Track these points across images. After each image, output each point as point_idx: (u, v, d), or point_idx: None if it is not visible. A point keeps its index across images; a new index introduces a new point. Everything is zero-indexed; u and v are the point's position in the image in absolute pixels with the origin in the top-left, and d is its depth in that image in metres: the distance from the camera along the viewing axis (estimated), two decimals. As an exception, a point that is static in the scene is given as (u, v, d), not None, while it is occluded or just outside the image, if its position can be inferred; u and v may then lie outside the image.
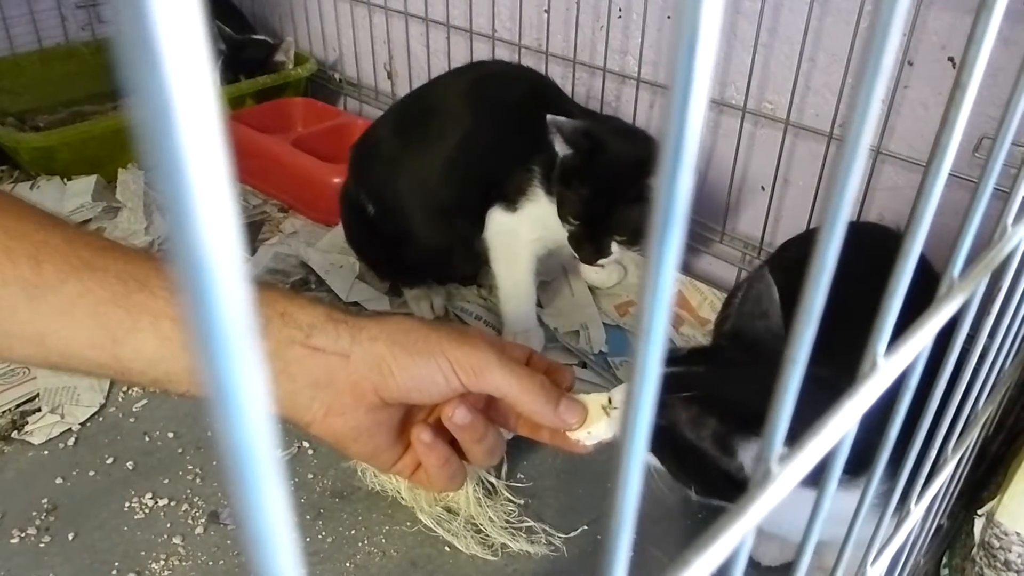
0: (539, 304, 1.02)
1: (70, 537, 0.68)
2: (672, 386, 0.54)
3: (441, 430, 0.59)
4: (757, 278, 0.58)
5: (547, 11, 1.13)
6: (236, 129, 1.30)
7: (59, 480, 0.74)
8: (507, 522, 0.70)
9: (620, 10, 1.05)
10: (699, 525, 0.71)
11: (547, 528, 0.70)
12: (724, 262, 1.06)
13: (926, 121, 0.85)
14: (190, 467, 0.75)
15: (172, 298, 0.48)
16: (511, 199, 0.91)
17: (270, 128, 1.31)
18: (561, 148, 0.82)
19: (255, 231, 1.18)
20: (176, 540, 0.68)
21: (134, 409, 0.82)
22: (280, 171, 1.24)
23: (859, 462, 0.31)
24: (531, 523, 0.71)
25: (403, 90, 1.41)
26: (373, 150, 0.99)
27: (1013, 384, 0.60)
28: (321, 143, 1.28)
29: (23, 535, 0.68)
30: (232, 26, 1.43)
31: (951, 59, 0.81)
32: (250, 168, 1.29)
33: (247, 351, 0.10)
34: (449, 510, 0.71)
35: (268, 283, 1.00)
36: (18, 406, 0.82)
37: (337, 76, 1.52)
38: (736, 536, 0.18)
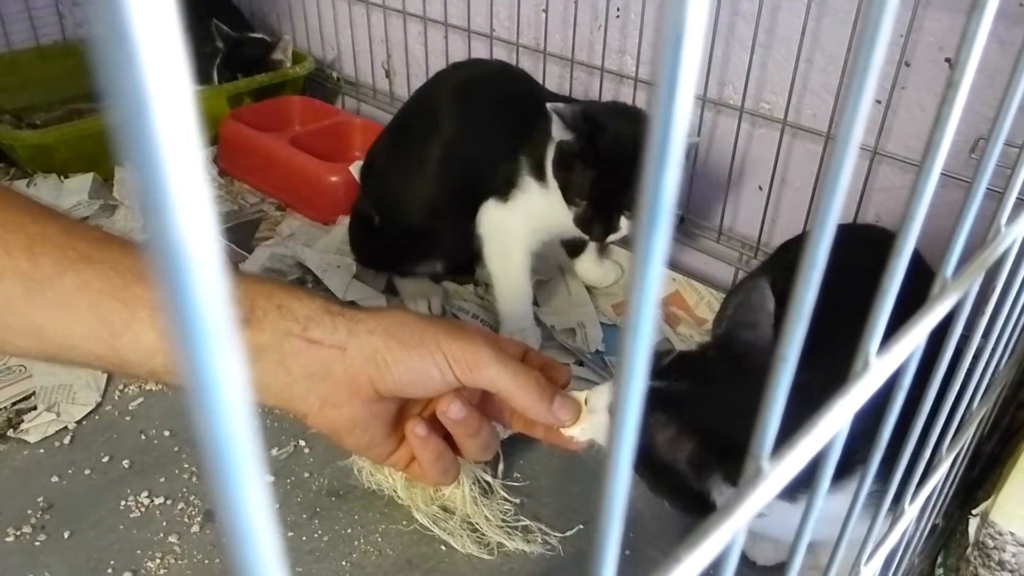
0: (536, 303, 1.02)
1: (66, 536, 0.68)
2: (652, 402, 0.54)
3: (436, 424, 0.59)
4: (752, 287, 0.58)
5: (545, 10, 1.13)
6: (234, 127, 1.30)
7: (55, 479, 0.74)
8: (503, 521, 0.70)
9: (618, 10, 1.05)
10: (696, 524, 0.71)
11: (543, 527, 0.70)
12: (721, 262, 1.06)
13: (923, 122, 0.85)
14: (186, 466, 0.75)
15: None
16: (502, 192, 0.92)
17: (268, 127, 1.31)
18: (560, 134, 0.83)
19: (252, 229, 1.18)
20: (172, 539, 0.68)
21: (130, 407, 0.82)
22: (278, 170, 1.24)
23: (851, 463, 0.31)
24: (527, 522, 0.71)
25: (401, 89, 1.41)
26: (375, 163, 1.02)
27: (1008, 384, 0.60)
28: (319, 142, 1.28)
29: (19, 534, 0.68)
30: (230, 24, 1.42)
31: (948, 60, 0.81)
32: (247, 166, 1.29)
33: (225, 340, 0.10)
34: (445, 509, 0.71)
35: (265, 277, 1.00)
36: (14, 404, 0.81)
37: (335, 75, 1.52)
38: (727, 534, 0.18)
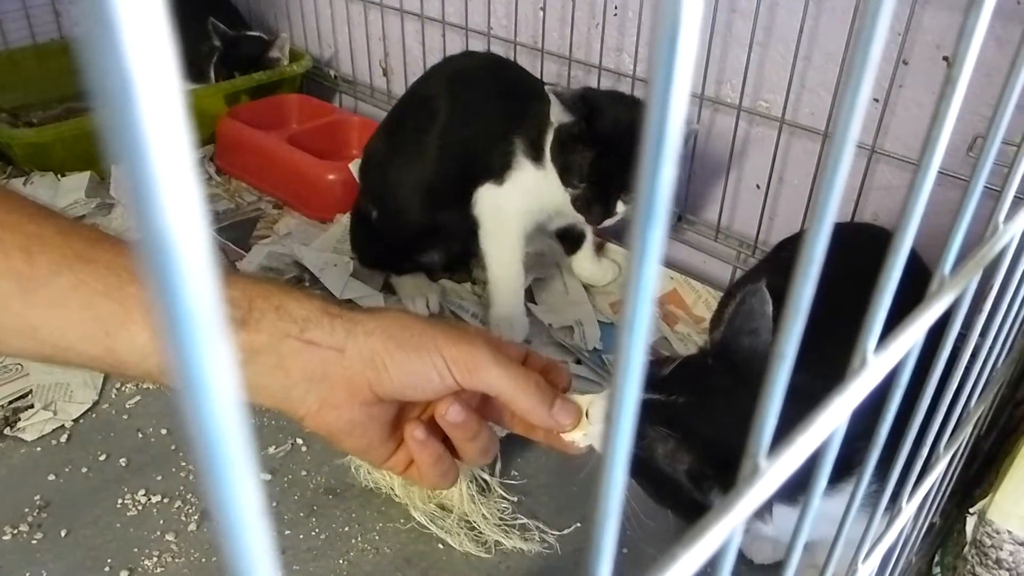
0: (534, 300, 1.02)
1: (63, 534, 0.68)
2: (652, 416, 0.54)
3: (434, 427, 0.58)
4: (750, 291, 0.58)
5: (543, 8, 1.13)
6: (231, 126, 1.30)
7: (52, 477, 0.73)
8: (501, 519, 0.70)
9: (616, 7, 1.05)
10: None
11: (540, 525, 0.70)
12: (719, 260, 1.06)
13: (921, 120, 0.85)
14: (183, 464, 0.75)
15: None
16: (497, 174, 0.92)
17: (265, 125, 1.31)
18: (559, 116, 0.84)
19: (250, 227, 1.17)
20: (169, 537, 0.68)
21: (127, 406, 0.82)
22: (275, 168, 1.24)
23: (850, 464, 0.31)
24: (524, 520, 0.71)
25: (398, 87, 1.41)
26: (372, 158, 1.03)
27: (1006, 382, 0.60)
28: (316, 140, 1.28)
29: (15, 532, 0.68)
30: (227, 22, 1.42)
31: (946, 59, 0.81)
32: (245, 165, 1.29)
33: (215, 337, 0.10)
34: (443, 507, 0.71)
35: (263, 277, 1.00)
36: (11, 403, 0.81)
37: (332, 73, 1.51)
38: (724, 531, 0.18)
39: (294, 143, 1.24)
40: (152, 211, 0.09)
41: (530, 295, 1.03)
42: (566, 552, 0.69)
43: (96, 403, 0.82)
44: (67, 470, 0.74)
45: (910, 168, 0.87)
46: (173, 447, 0.77)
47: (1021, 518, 0.55)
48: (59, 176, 1.25)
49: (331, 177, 1.18)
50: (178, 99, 0.09)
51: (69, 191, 1.21)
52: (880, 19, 0.15)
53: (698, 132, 1.02)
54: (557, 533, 0.70)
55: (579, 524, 0.71)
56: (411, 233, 0.99)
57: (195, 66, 1.40)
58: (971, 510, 0.58)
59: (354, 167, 1.17)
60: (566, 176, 0.86)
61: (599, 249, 1.07)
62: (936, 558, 0.65)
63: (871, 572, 0.38)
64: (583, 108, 0.83)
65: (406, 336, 0.54)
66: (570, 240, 1.04)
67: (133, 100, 0.09)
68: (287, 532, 0.69)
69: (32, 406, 0.81)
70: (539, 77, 1.07)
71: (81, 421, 0.80)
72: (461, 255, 1.05)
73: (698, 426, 0.54)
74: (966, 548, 0.58)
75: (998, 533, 0.56)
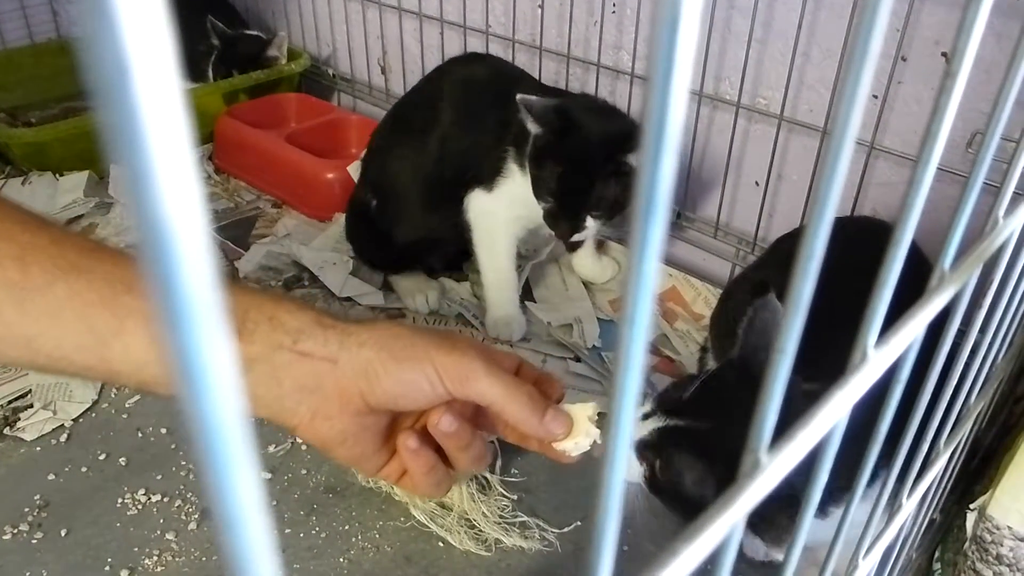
0: (532, 298, 1.02)
1: (63, 533, 0.68)
2: (677, 442, 0.54)
3: (427, 436, 0.58)
4: (761, 305, 0.58)
5: (541, 6, 1.13)
6: (229, 125, 1.30)
7: (51, 476, 0.73)
8: (501, 517, 0.70)
9: (614, 5, 1.05)
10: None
11: (541, 523, 0.70)
12: (718, 257, 1.06)
13: (919, 117, 0.85)
14: (183, 463, 0.75)
15: None
16: (488, 180, 0.93)
17: (263, 124, 1.31)
18: (532, 127, 0.83)
19: (248, 226, 1.17)
20: (169, 536, 0.68)
21: (127, 405, 0.82)
22: (273, 167, 1.24)
23: (851, 476, 0.31)
24: (525, 518, 0.70)
25: (397, 85, 1.40)
26: (375, 148, 1.04)
27: (1005, 378, 0.60)
28: (315, 139, 1.27)
29: (15, 532, 0.68)
30: (225, 21, 1.42)
31: (944, 55, 0.81)
32: (243, 164, 1.29)
33: (215, 333, 0.10)
34: (443, 506, 0.71)
35: (257, 287, 1.00)
36: (10, 402, 0.81)
37: (331, 71, 1.51)
38: (724, 527, 0.18)
39: (293, 142, 1.24)
40: (152, 209, 0.09)
41: (529, 293, 1.03)
42: (566, 550, 0.69)
43: (96, 402, 0.82)
44: (67, 469, 0.74)
45: (909, 164, 0.87)
46: (173, 446, 0.77)
47: (1021, 514, 0.55)
48: (57, 176, 1.24)
49: (330, 176, 1.18)
50: (179, 97, 0.09)
51: (67, 191, 1.21)
52: (879, 13, 0.15)
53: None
54: (557, 531, 0.70)
55: (579, 522, 0.71)
56: (408, 226, 1.00)
57: (193, 65, 1.40)
58: (971, 506, 0.58)
59: (352, 169, 1.17)
60: (536, 189, 0.86)
61: (599, 246, 1.07)
62: (936, 554, 0.65)
63: (872, 568, 0.38)
64: (554, 121, 0.83)
65: (398, 347, 0.54)
66: (570, 238, 1.05)
67: (133, 98, 0.09)
68: (287, 531, 0.69)
69: (32, 406, 0.81)
70: (539, 80, 1.06)
71: (81, 420, 0.80)
72: (458, 254, 1.05)
73: (723, 451, 0.54)
74: (966, 544, 0.58)
75: (998, 529, 0.56)
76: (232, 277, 1.04)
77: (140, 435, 0.78)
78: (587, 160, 0.83)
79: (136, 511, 0.70)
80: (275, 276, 1.05)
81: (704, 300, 1.01)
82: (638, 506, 0.63)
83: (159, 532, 0.68)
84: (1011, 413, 0.70)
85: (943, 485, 0.54)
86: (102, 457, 0.76)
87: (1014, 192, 0.31)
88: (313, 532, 0.69)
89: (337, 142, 1.32)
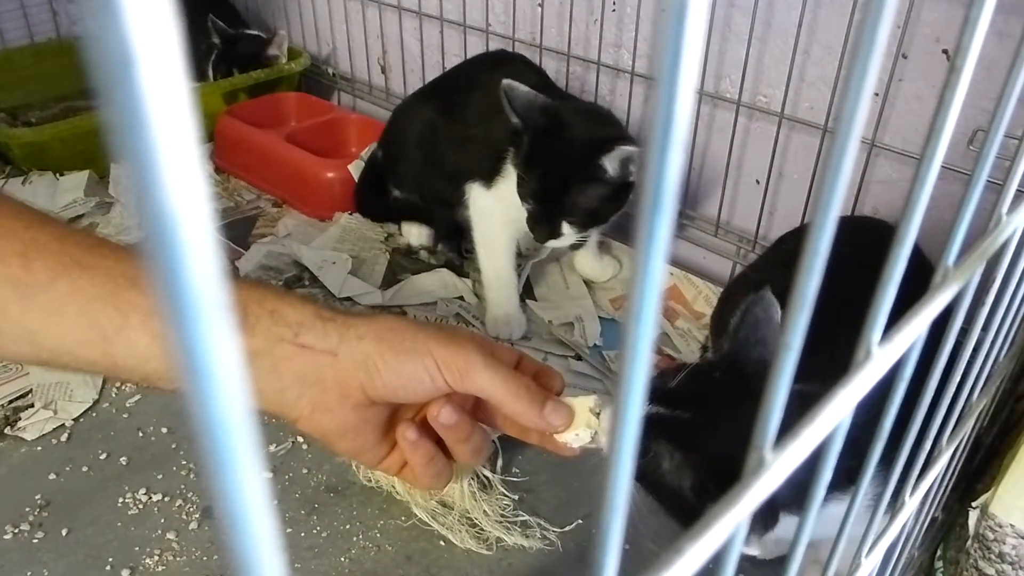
0: (533, 296, 1.02)
1: (63, 533, 0.68)
2: (657, 430, 0.54)
3: (427, 429, 0.59)
4: (755, 300, 0.57)
5: (541, 5, 1.13)
6: (230, 124, 1.29)
7: (52, 476, 0.73)
8: (502, 516, 0.70)
9: (614, 4, 1.05)
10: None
11: (542, 522, 0.70)
12: (719, 256, 1.06)
13: (920, 114, 0.85)
14: (184, 462, 0.75)
15: None
16: (488, 176, 0.93)
17: (263, 123, 1.31)
18: (512, 117, 0.84)
19: (249, 226, 1.17)
20: (170, 535, 0.68)
21: (127, 405, 0.82)
22: (274, 166, 1.24)
23: (850, 472, 0.31)
24: (526, 517, 0.70)
25: (397, 85, 1.40)
26: (399, 112, 1.11)
27: (1008, 376, 0.60)
28: (315, 138, 1.27)
29: (16, 531, 0.68)
30: (225, 21, 1.42)
31: (945, 52, 0.81)
32: (244, 163, 1.29)
33: (220, 328, 0.10)
34: (444, 504, 0.71)
35: (257, 281, 1.00)
36: (11, 402, 0.81)
37: (331, 71, 1.51)
38: (730, 524, 0.18)
39: (293, 141, 1.24)
40: (158, 202, 0.09)
41: (530, 291, 1.03)
42: (568, 549, 0.69)
43: (96, 402, 0.82)
44: (68, 469, 0.74)
45: (910, 162, 0.87)
46: (174, 446, 0.77)
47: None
48: (58, 175, 1.24)
49: (330, 175, 1.18)
50: (184, 89, 0.09)
51: (68, 190, 1.21)
52: (885, 6, 0.15)
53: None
54: (559, 530, 0.70)
55: (580, 521, 0.71)
56: (404, 182, 1.05)
57: (194, 64, 1.40)
58: (973, 504, 0.58)
59: (353, 168, 1.17)
60: (519, 190, 0.87)
61: (601, 245, 1.07)
62: (938, 552, 0.65)
63: (874, 567, 0.38)
64: (539, 119, 0.82)
65: (398, 340, 0.54)
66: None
67: (139, 91, 0.09)
68: (288, 530, 0.69)
69: (32, 405, 0.81)
70: (558, 87, 1.07)
71: (81, 420, 0.80)
72: (455, 232, 1.08)
73: (703, 442, 0.54)
74: (969, 542, 0.58)
75: (1001, 527, 0.56)
76: (233, 276, 1.04)
77: (141, 434, 0.78)
78: (566, 164, 0.83)
79: (137, 510, 0.70)
80: (275, 276, 1.05)
81: (705, 299, 1.01)
82: (639, 506, 0.62)
83: (160, 531, 0.68)
84: (1013, 411, 0.70)
85: (945, 483, 0.54)
86: (103, 456, 0.76)
87: (1017, 189, 0.31)
88: (314, 531, 0.69)
89: (337, 141, 1.32)
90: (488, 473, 0.73)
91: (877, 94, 0.84)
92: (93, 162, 1.25)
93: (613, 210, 0.88)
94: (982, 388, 0.47)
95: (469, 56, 1.18)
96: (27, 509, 0.70)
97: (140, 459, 0.76)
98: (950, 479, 0.55)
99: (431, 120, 1.01)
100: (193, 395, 0.10)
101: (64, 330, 0.48)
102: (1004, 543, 0.56)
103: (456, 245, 1.08)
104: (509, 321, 0.94)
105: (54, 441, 0.77)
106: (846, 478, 0.32)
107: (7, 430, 0.78)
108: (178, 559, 0.66)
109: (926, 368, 0.32)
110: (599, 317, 0.98)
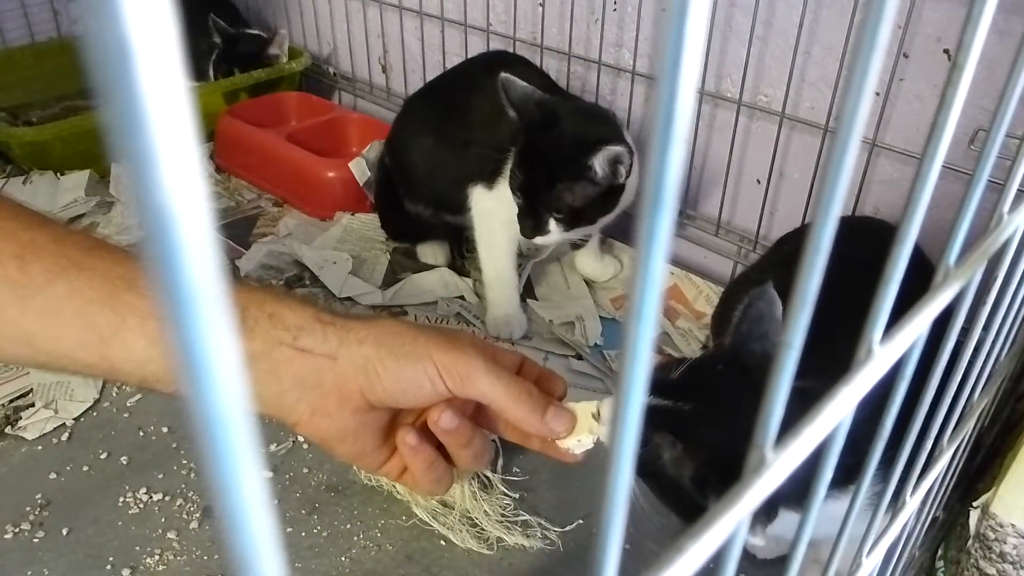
0: (534, 296, 1.02)
1: (64, 532, 0.68)
2: (658, 421, 0.54)
3: (428, 433, 0.58)
4: (757, 295, 0.57)
5: (542, 4, 1.13)
6: (230, 124, 1.29)
7: (53, 475, 0.73)
8: (503, 516, 0.70)
9: (615, 3, 1.05)
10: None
11: (542, 522, 0.70)
12: (720, 255, 1.06)
13: (921, 114, 0.85)
14: (184, 462, 0.75)
15: None
16: (489, 177, 0.93)
17: (264, 122, 1.31)
18: (509, 109, 0.83)
19: (249, 225, 1.17)
20: (171, 535, 0.68)
21: (128, 404, 0.82)
22: (274, 166, 1.24)
23: (850, 470, 0.31)
24: (527, 517, 0.70)
25: (397, 84, 1.40)
26: (403, 111, 1.10)
27: (1008, 376, 0.60)
28: (315, 137, 1.27)
29: (16, 530, 0.68)
30: (226, 20, 1.42)
31: (946, 51, 0.81)
32: (244, 163, 1.29)
33: (220, 328, 0.09)
34: (445, 504, 0.71)
35: (256, 284, 1.00)
36: (11, 401, 0.81)
37: (331, 70, 1.51)
38: (730, 524, 0.18)
39: (293, 140, 1.24)
40: (157, 202, 0.09)
41: (531, 291, 1.03)
42: (568, 548, 0.69)
43: (97, 401, 0.82)
44: (68, 468, 0.74)
45: (911, 162, 0.87)
46: (174, 445, 0.77)
47: (1024, 511, 0.55)
48: (58, 175, 1.24)
49: (331, 175, 1.18)
50: (183, 88, 0.09)
51: (68, 190, 1.21)
52: (886, 6, 0.15)
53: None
54: (559, 530, 0.70)
55: (581, 520, 0.71)
56: (412, 193, 1.04)
57: (194, 64, 1.40)
58: (974, 504, 0.58)
59: (354, 166, 1.17)
60: (511, 183, 0.87)
61: (602, 244, 1.07)
62: (939, 552, 0.65)
63: (875, 567, 0.38)
64: (535, 114, 0.82)
65: (398, 344, 0.54)
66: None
67: (138, 89, 0.09)
68: (288, 530, 0.69)
69: (33, 405, 0.81)
70: (564, 89, 1.07)
71: (82, 419, 0.80)
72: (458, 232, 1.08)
73: (704, 434, 0.53)
74: (970, 542, 0.58)
75: (1002, 527, 0.56)
76: (233, 276, 1.04)
77: (141, 434, 0.78)
78: (554, 160, 0.83)
79: (137, 510, 0.70)
80: (276, 275, 1.05)
81: (705, 298, 1.01)
82: (641, 506, 0.62)
83: (160, 531, 0.68)
84: (1014, 411, 0.70)
85: (946, 483, 0.53)
86: (103, 456, 0.76)
87: (1018, 189, 0.31)
88: (315, 531, 0.69)
89: (338, 141, 1.32)
90: (489, 473, 0.73)
91: (878, 94, 0.84)
92: (94, 161, 1.25)
93: (601, 211, 0.88)
94: (983, 388, 0.47)
95: (470, 55, 1.17)
96: (27, 508, 0.70)
97: (141, 458, 0.76)
98: (951, 479, 0.55)
99: (434, 124, 1.01)
100: (192, 394, 0.10)
101: (62, 332, 0.47)
102: (1005, 543, 0.56)
103: (456, 245, 1.08)
104: (510, 321, 0.94)
105: (55, 440, 0.77)
106: (846, 476, 0.32)
107: (8, 429, 0.78)
108: (179, 558, 0.66)
109: (927, 368, 0.32)
110: (600, 317, 0.98)
